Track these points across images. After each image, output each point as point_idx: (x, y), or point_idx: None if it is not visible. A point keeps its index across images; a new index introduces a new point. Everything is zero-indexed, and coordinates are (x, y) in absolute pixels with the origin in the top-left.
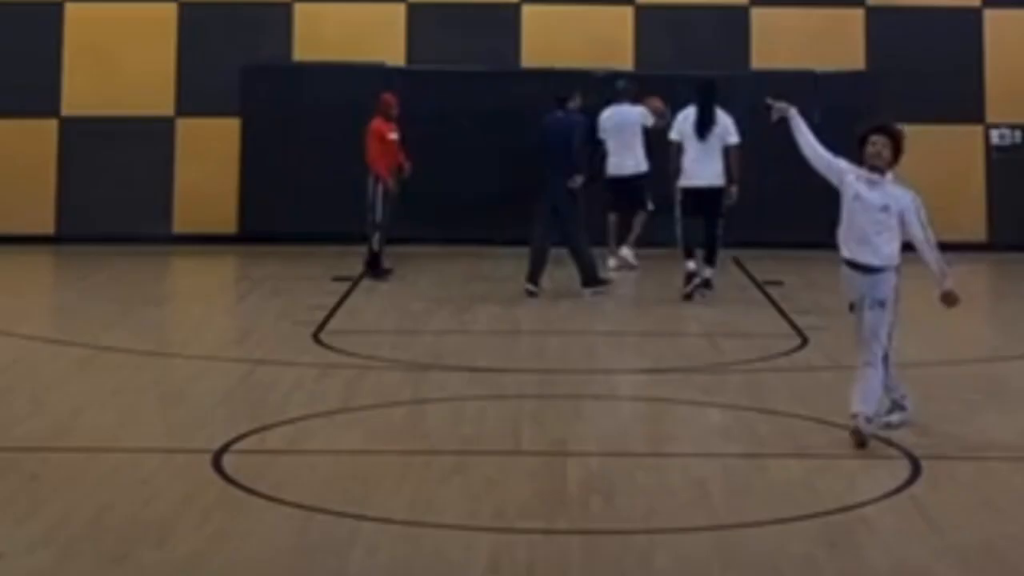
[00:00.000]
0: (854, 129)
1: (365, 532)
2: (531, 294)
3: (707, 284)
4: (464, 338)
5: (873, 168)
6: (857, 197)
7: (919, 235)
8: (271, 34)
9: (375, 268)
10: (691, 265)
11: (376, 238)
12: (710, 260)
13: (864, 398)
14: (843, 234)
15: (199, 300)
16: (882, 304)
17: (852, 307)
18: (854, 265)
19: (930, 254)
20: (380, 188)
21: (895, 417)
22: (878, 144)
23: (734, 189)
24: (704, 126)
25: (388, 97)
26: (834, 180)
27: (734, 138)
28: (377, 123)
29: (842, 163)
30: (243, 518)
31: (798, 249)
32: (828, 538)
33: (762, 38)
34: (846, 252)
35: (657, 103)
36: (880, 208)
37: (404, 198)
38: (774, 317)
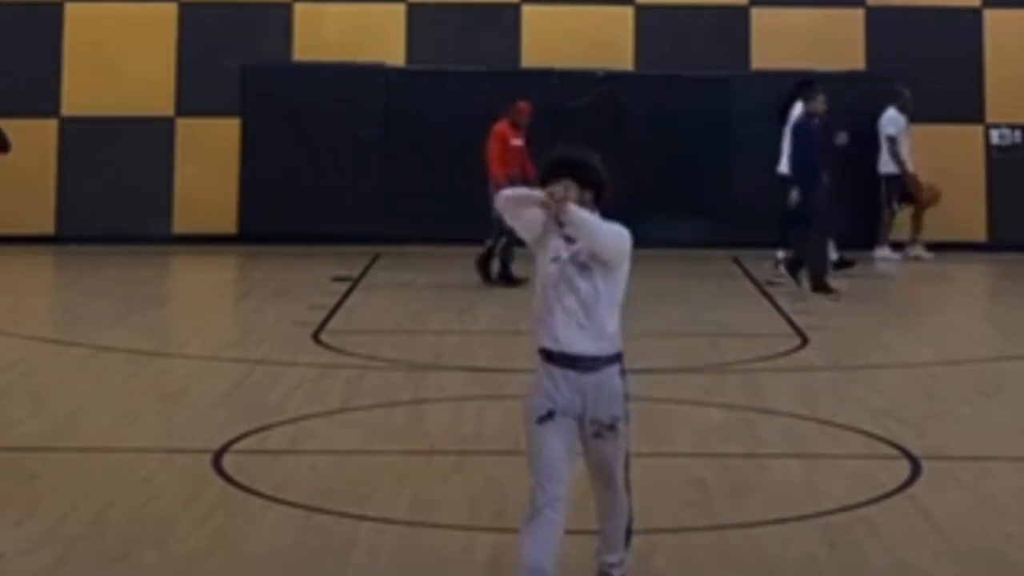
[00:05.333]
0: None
1: (365, 532)
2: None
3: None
4: (464, 338)
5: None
6: (551, 262)
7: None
8: (271, 34)
9: (506, 276)
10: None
11: (502, 243)
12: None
13: (611, 543)
14: (538, 312)
15: (199, 300)
16: (612, 428)
17: (549, 416)
18: (559, 358)
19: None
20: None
21: None
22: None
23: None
24: (781, 122)
25: (523, 105)
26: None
27: None
28: (502, 126)
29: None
30: (243, 518)
31: None
32: (828, 538)
33: (762, 38)
34: (545, 340)
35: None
36: (578, 267)
37: (402, 198)
38: (774, 317)
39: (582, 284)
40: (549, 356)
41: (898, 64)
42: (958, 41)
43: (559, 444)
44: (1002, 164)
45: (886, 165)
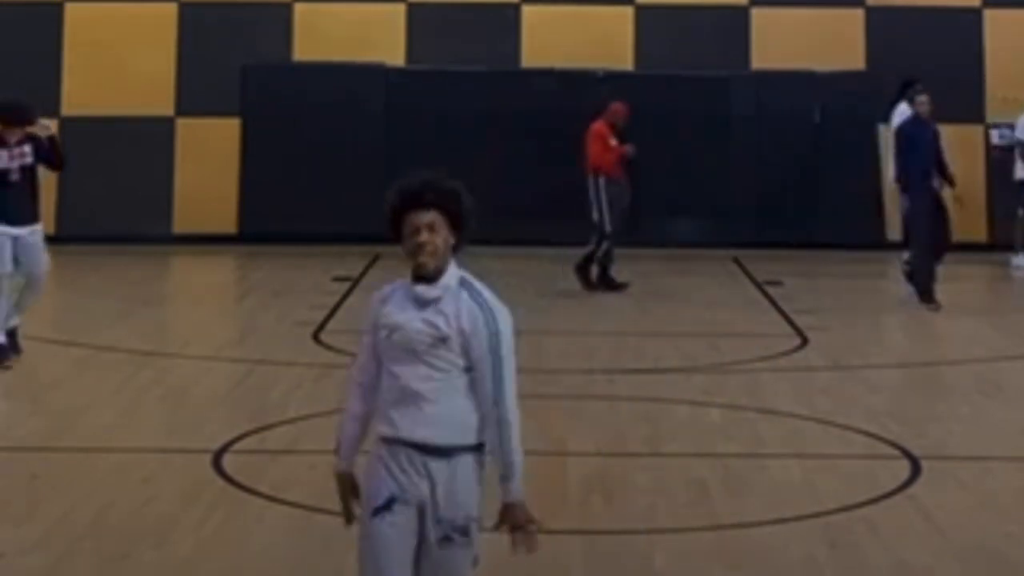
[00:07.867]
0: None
1: None
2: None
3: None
4: None
5: (419, 276)
6: (394, 330)
7: (489, 391)
8: (271, 34)
9: (608, 281)
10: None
11: (604, 248)
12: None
13: None
14: (381, 399)
15: (199, 300)
16: (464, 531)
17: (387, 505)
18: (402, 444)
19: (498, 432)
20: (605, 191)
21: None
22: (421, 227)
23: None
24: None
25: (619, 107)
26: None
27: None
28: (600, 125)
29: (376, 302)
30: (243, 518)
31: (798, 249)
32: (828, 538)
33: (762, 38)
34: (384, 427)
35: None
36: (436, 340)
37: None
38: (774, 317)
39: (416, 359)
40: (385, 441)
41: (898, 64)
42: (958, 41)
43: (397, 541)
44: (1002, 164)
45: (1021, 171)
